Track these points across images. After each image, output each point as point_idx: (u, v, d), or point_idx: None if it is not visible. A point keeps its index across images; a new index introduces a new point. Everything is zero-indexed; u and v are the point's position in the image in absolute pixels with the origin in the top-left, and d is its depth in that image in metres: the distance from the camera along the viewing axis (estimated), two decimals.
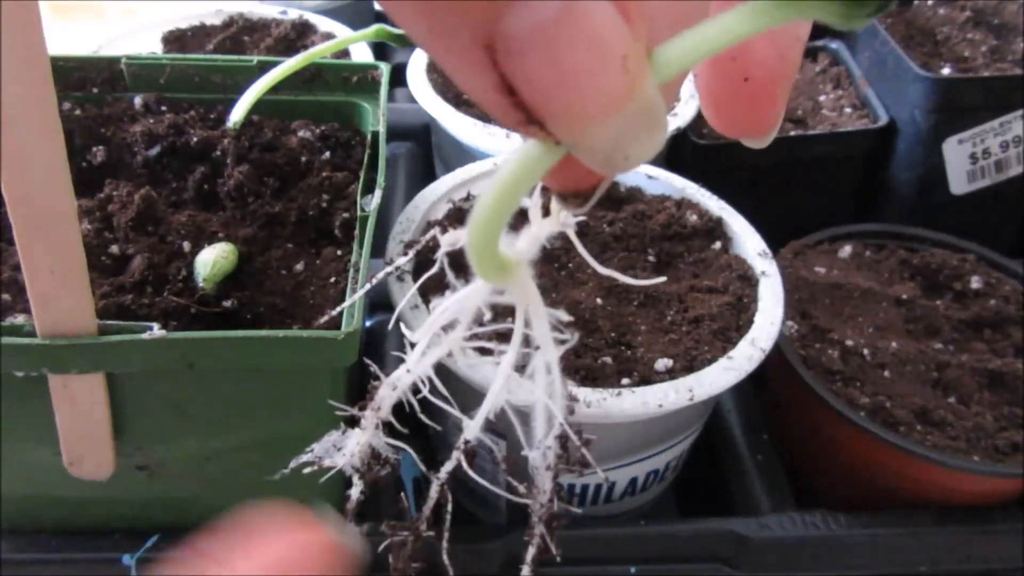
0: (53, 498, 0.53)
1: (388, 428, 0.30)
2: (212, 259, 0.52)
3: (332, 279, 0.54)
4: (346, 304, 0.32)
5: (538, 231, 0.25)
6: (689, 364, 0.52)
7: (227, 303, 0.52)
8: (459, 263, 0.24)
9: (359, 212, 0.54)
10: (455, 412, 0.29)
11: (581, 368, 0.51)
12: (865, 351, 0.63)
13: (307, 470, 0.31)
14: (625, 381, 0.51)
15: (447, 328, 0.28)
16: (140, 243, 0.53)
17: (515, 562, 0.55)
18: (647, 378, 0.51)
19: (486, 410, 0.28)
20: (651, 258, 0.61)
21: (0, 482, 0.52)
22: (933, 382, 0.63)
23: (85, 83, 0.63)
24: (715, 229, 0.63)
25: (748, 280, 0.59)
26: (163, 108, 0.63)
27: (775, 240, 0.64)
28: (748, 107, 0.26)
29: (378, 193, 0.54)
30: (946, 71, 0.80)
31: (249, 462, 0.51)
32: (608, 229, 0.62)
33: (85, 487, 0.50)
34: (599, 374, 0.51)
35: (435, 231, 0.29)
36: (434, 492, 0.30)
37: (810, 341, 0.64)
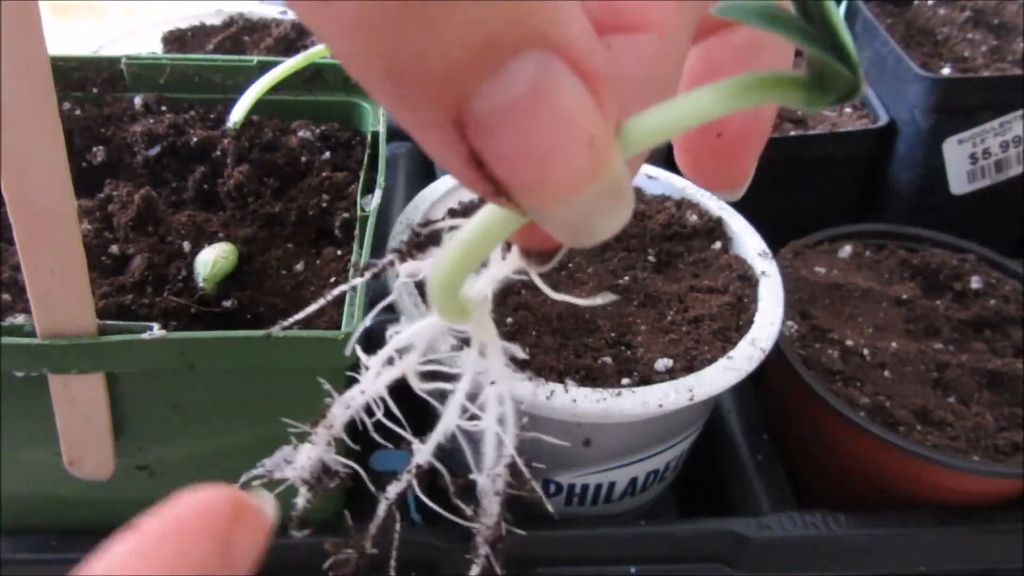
0: (53, 498, 0.53)
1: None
2: (212, 259, 0.52)
3: (332, 279, 0.54)
4: (301, 315, 0.33)
5: (497, 273, 0.26)
6: (689, 364, 0.52)
7: (227, 303, 0.52)
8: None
9: (359, 212, 0.54)
10: (408, 435, 0.30)
11: (581, 368, 0.51)
12: (865, 351, 0.63)
13: (256, 483, 0.32)
14: (625, 381, 0.51)
15: (402, 352, 0.28)
16: (140, 243, 0.53)
17: (515, 562, 0.55)
18: (647, 378, 0.51)
19: (437, 436, 0.29)
20: (651, 258, 0.61)
21: (0, 482, 0.52)
22: (933, 382, 0.63)
23: (85, 83, 0.63)
24: (715, 229, 0.63)
25: (748, 280, 0.59)
26: (163, 108, 0.63)
27: (775, 240, 0.64)
28: (720, 162, 0.27)
29: (378, 193, 0.54)
30: (946, 71, 0.80)
31: (249, 462, 0.51)
32: None
33: (85, 487, 0.50)
34: (599, 374, 0.51)
35: (393, 257, 0.29)
36: (381, 511, 0.31)
37: (810, 341, 0.64)
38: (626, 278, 0.59)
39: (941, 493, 0.58)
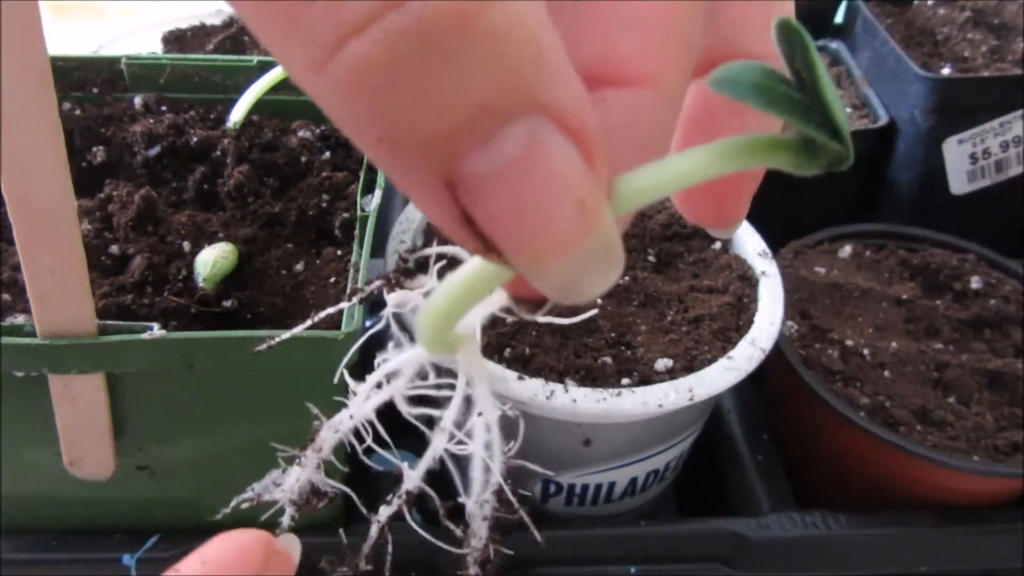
0: (53, 498, 0.53)
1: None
2: (212, 259, 0.52)
3: (332, 279, 0.54)
4: (295, 331, 0.33)
5: (485, 310, 0.26)
6: (689, 364, 0.52)
7: (227, 303, 0.52)
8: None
9: (359, 212, 0.54)
10: (395, 460, 0.31)
11: (581, 368, 0.51)
12: (865, 351, 0.63)
13: (245, 506, 0.33)
14: (625, 381, 0.51)
15: (390, 377, 0.29)
16: (140, 243, 0.53)
17: (515, 563, 0.55)
18: (647, 378, 0.51)
19: (426, 463, 0.29)
20: (651, 258, 0.61)
21: (0, 482, 0.52)
22: (933, 382, 0.63)
23: (85, 83, 0.63)
24: None
25: (748, 280, 0.59)
26: (163, 108, 0.63)
27: (775, 240, 0.64)
28: (712, 202, 0.27)
29: (378, 193, 0.54)
30: (946, 71, 0.80)
31: (249, 462, 0.51)
32: None
33: (85, 487, 0.50)
34: (599, 374, 0.51)
35: (380, 283, 0.30)
36: (374, 532, 0.31)
37: (810, 341, 0.64)
38: (626, 278, 0.59)
39: (941, 493, 0.58)
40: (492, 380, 0.28)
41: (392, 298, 0.29)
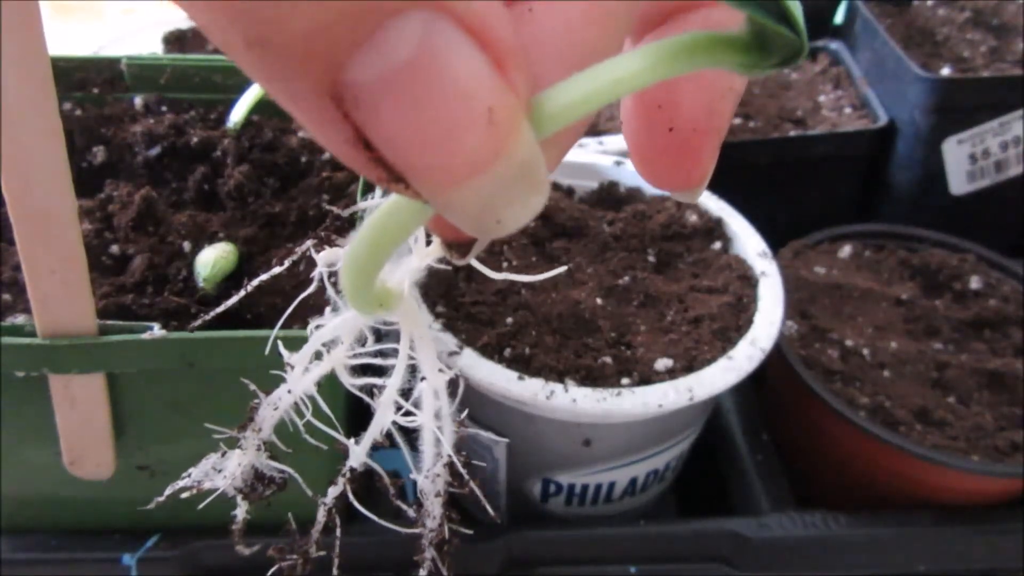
0: (53, 498, 0.53)
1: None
2: (212, 259, 0.52)
3: (332, 279, 0.54)
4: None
5: (418, 262, 0.24)
6: (689, 364, 0.52)
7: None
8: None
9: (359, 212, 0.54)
10: (340, 437, 0.29)
11: (581, 368, 0.51)
12: (865, 351, 0.63)
13: (185, 495, 0.31)
14: (625, 381, 0.51)
15: (329, 346, 0.27)
16: (140, 243, 0.53)
17: (515, 562, 0.55)
18: (647, 378, 0.51)
19: (371, 436, 0.27)
20: (651, 258, 0.61)
21: (0, 482, 0.52)
22: (933, 382, 0.63)
23: (85, 83, 0.63)
24: (715, 229, 0.63)
25: (748, 280, 0.59)
26: (163, 108, 0.63)
27: (775, 240, 0.64)
28: (672, 160, 0.24)
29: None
30: (946, 71, 0.80)
31: None
32: (608, 229, 0.62)
33: (85, 487, 0.50)
34: (599, 374, 0.51)
35: (310, 244, 0.28)
36: (321, 516, 0.30)
37: (810, 341, 0.64)
38: (626, 278, 0.59)
39: (941, 493, 0.58)
40: (438, 342, 0.26)
41: (322, 257, 0.27)
